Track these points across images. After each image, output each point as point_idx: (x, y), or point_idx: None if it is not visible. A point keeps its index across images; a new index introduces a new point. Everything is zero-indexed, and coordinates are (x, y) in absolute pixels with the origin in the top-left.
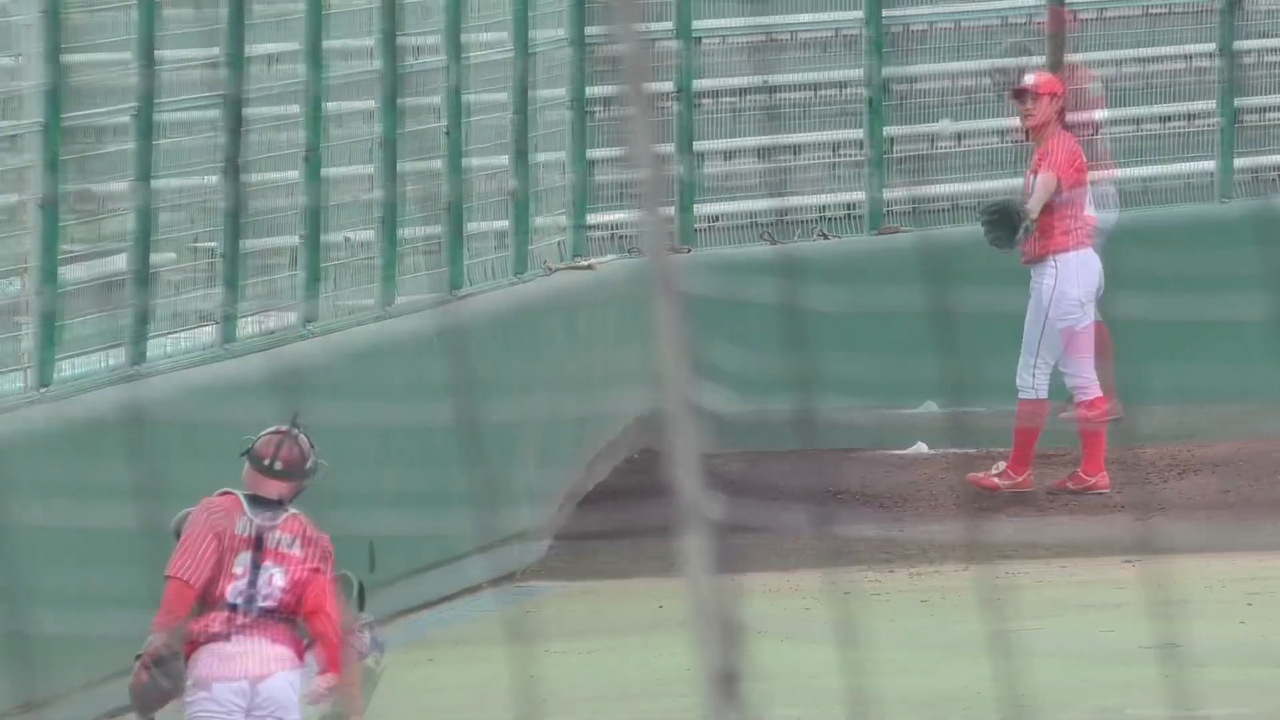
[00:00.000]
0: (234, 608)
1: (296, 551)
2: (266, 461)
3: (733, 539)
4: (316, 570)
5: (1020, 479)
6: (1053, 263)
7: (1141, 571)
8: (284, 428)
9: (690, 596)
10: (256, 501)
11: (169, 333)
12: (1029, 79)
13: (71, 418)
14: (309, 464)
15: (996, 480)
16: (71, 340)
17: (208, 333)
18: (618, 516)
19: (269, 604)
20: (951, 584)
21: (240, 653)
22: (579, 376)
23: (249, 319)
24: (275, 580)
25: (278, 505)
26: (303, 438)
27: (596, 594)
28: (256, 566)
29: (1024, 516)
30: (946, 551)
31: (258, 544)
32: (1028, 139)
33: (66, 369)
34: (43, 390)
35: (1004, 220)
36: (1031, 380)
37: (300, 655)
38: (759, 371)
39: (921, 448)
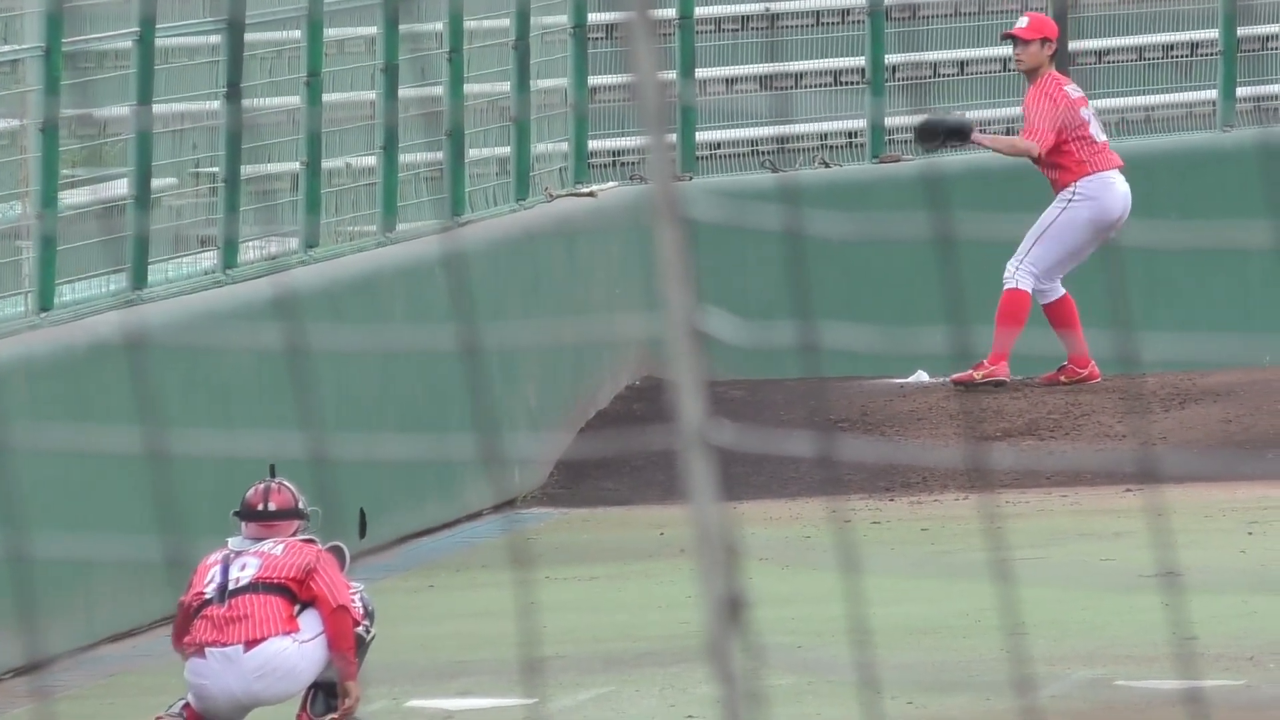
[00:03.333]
0: (209, 603)
1: (277, 551)
2: (260, 507)
3: (734, 466)
4: (302, 574)
5: (996, 368)
6: (1073, 189)
7: (1142, 500)
8: (266, 479)
9: (693, 523)
10: (249, 541)
11: (170, 258)
12: (1021, 22)
13: (72, 342)
14: (300, 504)
15: (972, 373)
16: (72, 265)
17: (209, 258)
18: (619, 443)
19: (243, 583)
20: (952, 512)
21: (227, 626)
22: (580, 303)
23: (250, 244)
24: (247, 567)
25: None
26: (287, 483)
27: (597, 521)
28: (226, 568)
29: (1025, 445)
30: (947, 480)
31: (230, 556)
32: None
33: (67, 293)
34: (43, 315)
35: (932, 133)
36: (1014, 272)
37: (292, 621)
38: (760, 300)
39: (922, 376)
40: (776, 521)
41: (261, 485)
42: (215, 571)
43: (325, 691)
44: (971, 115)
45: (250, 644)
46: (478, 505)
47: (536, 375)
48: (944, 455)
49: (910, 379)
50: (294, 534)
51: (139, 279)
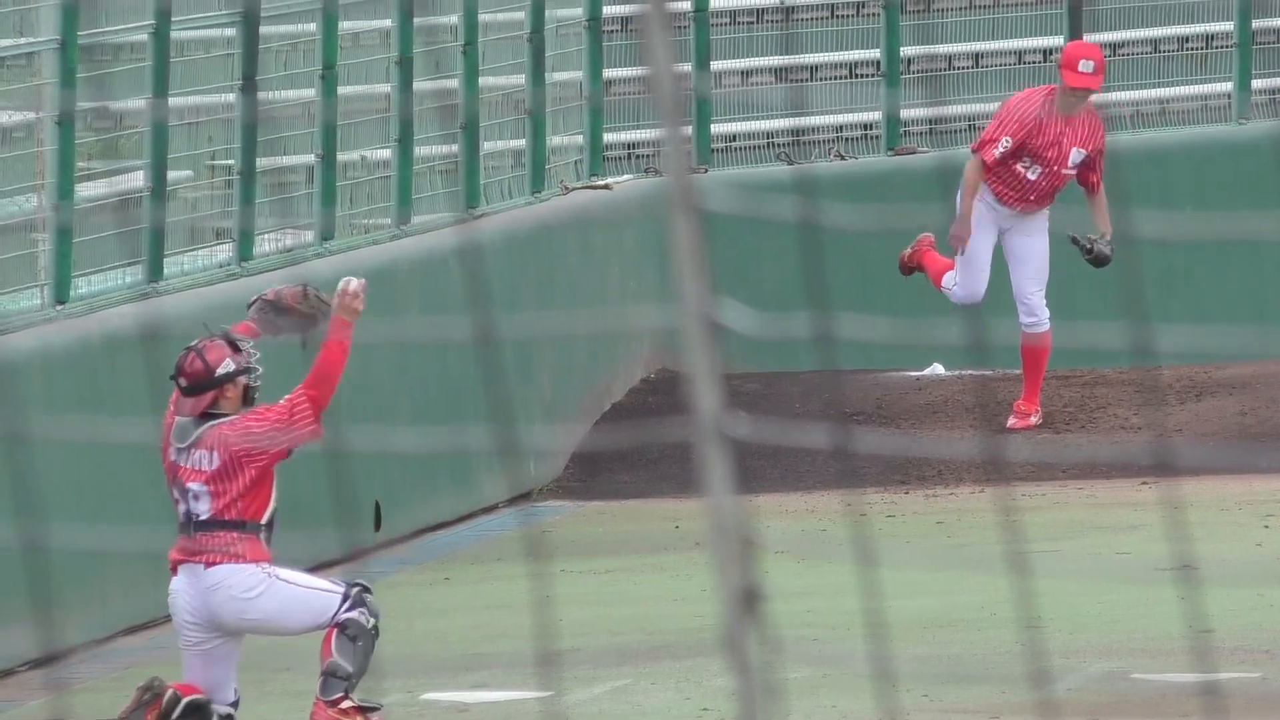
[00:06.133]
0: (183, 529)
1: (206, 466)
2: (174, 379)
3: (750, 459)
4: (241, 458)
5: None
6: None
7: (1158, 493)
8: (194, 341)
9: (708, 516)
10: (188, 423)
11: (186, 250)
12: (1088, 66)
13: (88, 335)
14: (220, 372)
15: (1032, 421)
16: (88, 257)
17: (224, 250)
18: (634, 436)
19: (203, 518)
20: (967, 505)
21: (195, 553)
22: (595, 295)
23: (266, 237)
24: (201, 499)
25: (205, 419)
26: (214, 346)
27: (613, 514)
28: (184, 489)
29: (1041, 437)
30: (962, 473)
31: (177, 469)
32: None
33: (83, 286)
34: (59, 307)
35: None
36: (1048, 311)
37: (256, 555)
38: (775, 292)
39: (938, 368)
40: (792, 514)
41: (184, 352)
42: (177, 490)
43: (337, 677)
44: (983, 108)
45: (210, 563)
46: (493, 498)
47: (551, 367)
48: (959, 448)
49: (925, 371)
50: (237, 397)
51: (155, 271)
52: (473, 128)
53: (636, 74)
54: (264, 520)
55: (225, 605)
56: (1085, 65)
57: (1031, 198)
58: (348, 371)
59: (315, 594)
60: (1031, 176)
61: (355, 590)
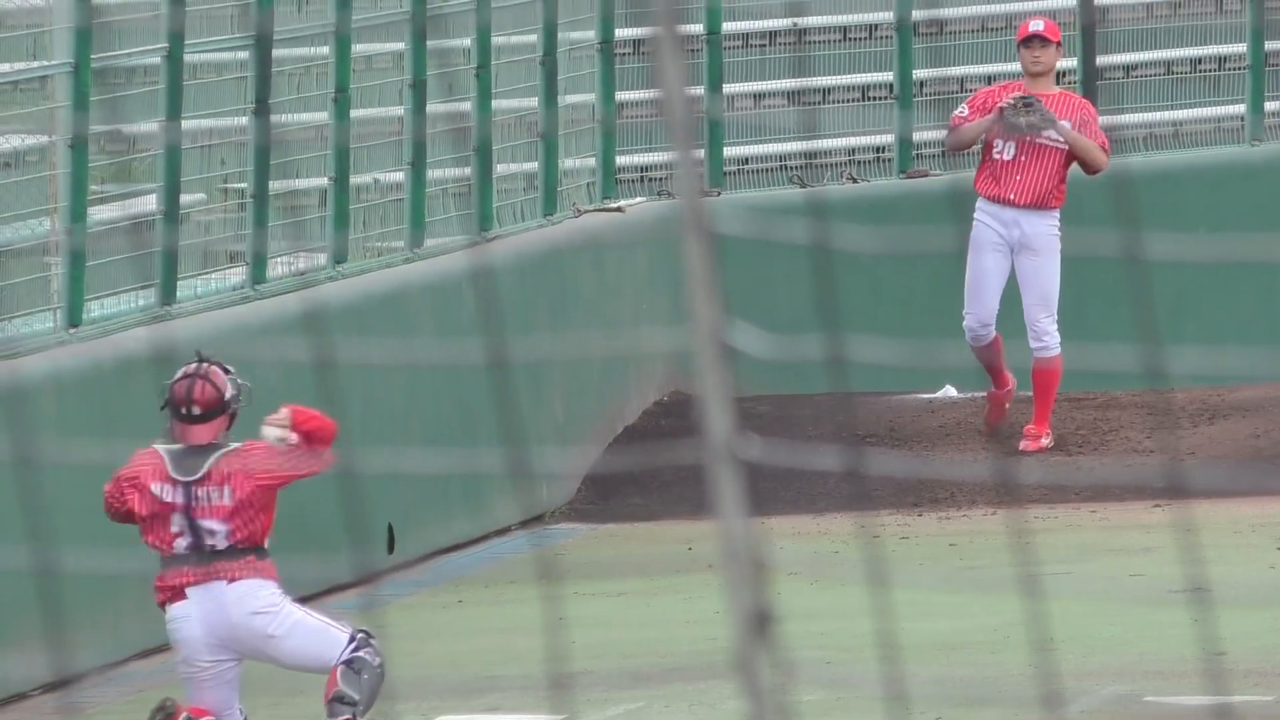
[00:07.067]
0: (187, 559)
1: (226, 501)
2: (184, 410)
3: (762, 481)
4: (261, 498)
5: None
6: (1057, 214)
7: (1171, 516)
8: (191, 367)
9: (721, 538)
10: (185, 454)
11: (198, 273)
12: (1037, 25)
13: (100, 358)
14: (228, 396)
15: (1043, 443)
16: (101, 280)
17: (237, 273)
18: (647, 458)
19: (220, 548)
20: (980, 527)
21: (210, 574)
22: (607, 318)
23: (278, 260)
24: (216, 531)
25: (208, 450)
26: (215, 371)
27: (625, 536)
28: (193, 523)
29: (1053, 460)
30: (975, 495)
31: (188, 505)
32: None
33: (96, 309)
34: (72, 330)
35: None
36: (1058, 336)
37: (270, 574)
38: (787, 314)
39: (950, 391)
40: (804, 536)
41: (185, 380)
42: (181, 524)
43: (344, 703)
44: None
45: (232, 580)
46: (506, 520)
47: (564, 390)
48: (972, 470)
49: (938, 394)
50: (227, 428)
51: (168, 294)
52: (485, 150)
53: (649, 97)
54: (267, 544)
55: (248, 620)
56: (1035, 24)
57: (1020, 185)
58: (360, 394)
59: (326, 627)
60: (1008, 157)
61: (361, 635)
